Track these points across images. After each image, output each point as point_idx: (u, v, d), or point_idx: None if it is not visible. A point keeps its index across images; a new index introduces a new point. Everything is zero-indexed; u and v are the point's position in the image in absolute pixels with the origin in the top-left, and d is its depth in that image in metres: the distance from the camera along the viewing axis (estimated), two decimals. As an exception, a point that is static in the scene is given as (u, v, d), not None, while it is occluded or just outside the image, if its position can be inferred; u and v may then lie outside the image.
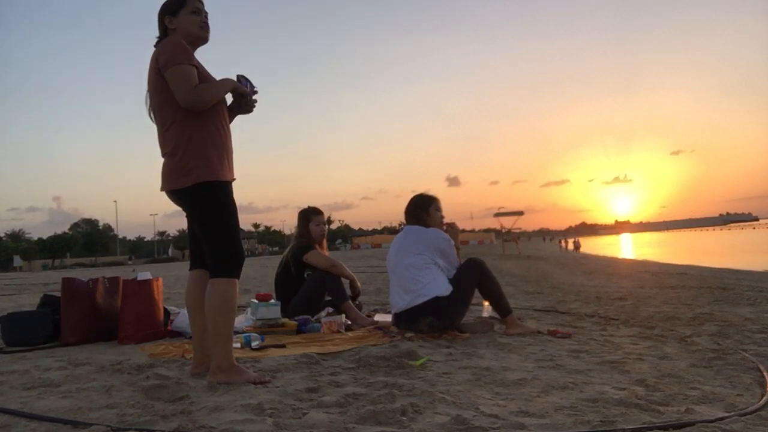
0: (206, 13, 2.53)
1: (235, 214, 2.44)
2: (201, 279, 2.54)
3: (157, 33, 2.52)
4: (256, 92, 2.61)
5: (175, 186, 2.41)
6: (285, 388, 2.25)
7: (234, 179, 2.52)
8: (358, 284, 4.44)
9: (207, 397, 2.14)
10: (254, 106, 2.64)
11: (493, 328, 3.56)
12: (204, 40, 2.52)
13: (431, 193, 3.79)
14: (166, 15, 2.49)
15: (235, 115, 2.64)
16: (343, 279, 4.18)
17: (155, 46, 2.51)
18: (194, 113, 2.39)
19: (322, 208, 4.41)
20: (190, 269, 2.62)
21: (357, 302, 4.36)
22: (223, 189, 2.42)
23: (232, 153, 2.53)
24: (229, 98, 2.60)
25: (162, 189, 2.49)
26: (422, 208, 3.72)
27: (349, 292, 4.22)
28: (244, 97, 2.59)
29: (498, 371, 2.51)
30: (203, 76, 2.44)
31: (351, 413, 1.90)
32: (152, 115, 2.51)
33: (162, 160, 2.49)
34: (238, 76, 2.55)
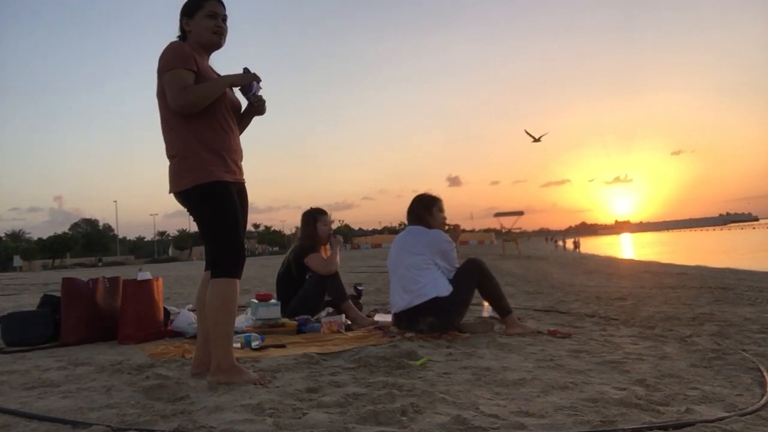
0: (225, 16, 2.50)
1: (234, 215, 2.41)
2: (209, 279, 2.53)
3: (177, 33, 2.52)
4: (259, 80, 2.53)
5: (175, 188, 2.45)
6: (285, 388, 2.25)
7: (239, 180, 2.51)
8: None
9: (207, 397, 2.14)
10: (263, 106, 2.59)
11: (493, 328, 3.56)
12: (217, 45, 2.51)
13: (434, 193, 3.79)
14: (183, 17, 2.50)
15: (251, 118, 2.65)
16: (342, 279, 4.17)
17: None
18: (193, 116, 2.38)
19: (323, 208, 4.41)
20: (205, 269, 2.58)
21: (359, 300, 4.35)
22: (219, 190, 2.39)
23: (236, 153, 2.51)
24: (243, 102, 2.59)
25: (169, 191, 2.52)
26: (425, 209, 3.72)
27: (351, 292, 4.21)
28: (246, 93, 2.55)
29: (498, 371, 2.51)
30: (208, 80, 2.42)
31: (351, 413, 1.90)
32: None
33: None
34: (244, 69, 2.52)
